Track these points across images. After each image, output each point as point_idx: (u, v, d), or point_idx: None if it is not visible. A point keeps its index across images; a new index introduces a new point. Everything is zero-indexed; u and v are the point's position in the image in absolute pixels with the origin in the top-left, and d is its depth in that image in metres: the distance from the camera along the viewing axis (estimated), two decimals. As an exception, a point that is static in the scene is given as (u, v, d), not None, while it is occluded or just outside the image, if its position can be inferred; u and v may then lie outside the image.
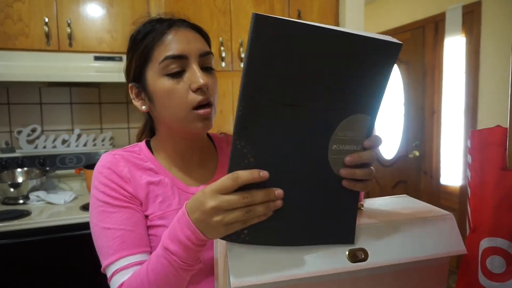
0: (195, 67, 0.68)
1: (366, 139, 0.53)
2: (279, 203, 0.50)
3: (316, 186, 0.53)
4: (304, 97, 0.48)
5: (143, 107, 0.75)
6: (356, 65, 0.49)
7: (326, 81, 0.49)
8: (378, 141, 0.53)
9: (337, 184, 0.53)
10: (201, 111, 0.69)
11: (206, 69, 0.71)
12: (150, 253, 0.70)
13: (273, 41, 0.44)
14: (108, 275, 0.68)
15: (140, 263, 0.67)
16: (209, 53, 0.71)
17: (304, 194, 0.53)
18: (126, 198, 0.72)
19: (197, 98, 0.68)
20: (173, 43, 0.68)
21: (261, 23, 0.43)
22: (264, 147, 0.49)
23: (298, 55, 0.46)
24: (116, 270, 0.67)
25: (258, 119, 0.47)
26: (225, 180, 0.49)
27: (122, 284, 0.65)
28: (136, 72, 0.73)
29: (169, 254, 0.57)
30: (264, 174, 0.48)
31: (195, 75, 0.67)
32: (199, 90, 0.68)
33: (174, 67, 0.67)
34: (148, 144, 0.81)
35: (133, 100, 0.77)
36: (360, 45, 0.48)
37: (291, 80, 0.47)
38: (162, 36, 0.68)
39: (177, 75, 0.68)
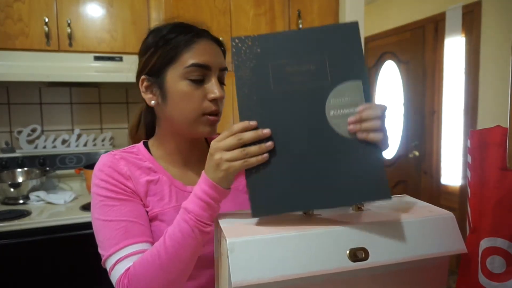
0: (214, 79, 0.74)
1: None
2: (269, 144, 0.59)
3: (324, 148, 0.60)
4: (294, 80, 0.61)
5: (152, 101, 0.77)
6: (325, 48, 0.61)
7: (309, 66, 0.61)
8: (376, 105, 0.59)
9: (349, 143, 0.60)
10: (211, 117, 0.75)
11: (221, 83, 0.78)
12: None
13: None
14: (110, 265, 0.67)
15: (144, 251, 0.67)
16: (226, 69, 0.78)
17: (313, 157, 0.60)
18: (127, 193, 0.73)
19: (211, 107, 0.74)
20: (201, 52, 0.73)
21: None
22: (265, 120, 0.60)
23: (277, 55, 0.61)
24: (119, 258, 0.67)
25: (257, 100, 0.60)
26: (224, 131, 0.60)
27: (128, 268, 0.65)
28: (155, 68, 0.75)
29: (187, 213, 0.62)
30: (267, 131, 0.59)
31: (214, 87, 0.73)
32: (214, 100, 0.74)
33: (197, 74, 0.72)
34: (145, 145, 0.82)
35: (142, 93, 0.77)
36: (320, 35, 0.62)
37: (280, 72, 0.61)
38: (192, 43, 0.73)
39: (197, 82, 0.73)
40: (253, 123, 0.59)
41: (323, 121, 0.60)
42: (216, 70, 0.75)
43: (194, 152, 0.83)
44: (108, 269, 0.69)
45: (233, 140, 0.59)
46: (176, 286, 0.65)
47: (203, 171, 0.64)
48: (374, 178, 0.59)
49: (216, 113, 0.75)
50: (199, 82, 0.73)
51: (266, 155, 0.59)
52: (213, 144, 0.61)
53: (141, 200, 0.75)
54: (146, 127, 0.87)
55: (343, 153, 0.59)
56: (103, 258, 0.69)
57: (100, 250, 0.71)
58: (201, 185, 0.63)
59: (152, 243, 0.70)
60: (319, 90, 0.60)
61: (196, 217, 0.62)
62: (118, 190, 0.72)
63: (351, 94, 0.60)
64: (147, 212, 0.75)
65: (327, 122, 0.60)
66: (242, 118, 0.60)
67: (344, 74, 0.60)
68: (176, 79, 0.73)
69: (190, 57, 0.72)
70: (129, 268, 0.65)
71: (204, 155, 0.83)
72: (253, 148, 0.58)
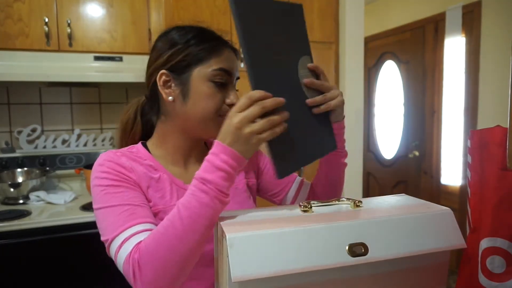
0: (233, 86, 0.80)
1: None
2: (286, 114, 0.62)
3: (306, 111, 0.72)
4: (279, 52, 0.67)
5: (170, 97, 0.77)
6: (290, 24, 0.71)
7: (285, 38, 0.70)
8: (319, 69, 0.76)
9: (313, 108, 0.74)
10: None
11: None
12: None
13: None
14: (115, 247, 0.64)
15: (152, 230, 0.64)
16: (239, 78, 0.84)
17: (302, 119, 0.71)
18: (129, 182, 0.72)
19: (227, 110, 0.77)
20: (228, 59, 0.78)
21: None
22: (266, 84, 0.63)
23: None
24: (126, 237, 0.63)
25: (261, 67, 0.64)
26: (241, 100, 0.60)
27: (139, 243, 0.62)
28: (180, 65, 0.76)
29: (206, 183, 0.60)
30: (282, 99, 0.61)
31: (234, 94, 0.79)
32: (231, 105, 0.77)
33: (221, 78, 0.77)
34: (143, 146, 0.82)
35: (159, 87, 0.78)
36: (285, 12, 0.70)
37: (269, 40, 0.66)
38: (221, 49, 0.78)
39: (219, 85, 0.77)
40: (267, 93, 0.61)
41: (300, 89, 0.71)
42: (234, 77, 0.80)
43: (193, 152, 0.84)
44: (113, 253, 0.65)
45: (256, 108, 0.59)
46: (191, 260, 0.62)
47: (217, 141, 0.62)
48: (331, 134, 0.79)
49: None
50: (221, 85, 0.77)
51: (285, 124, 0.61)
52: (236, 115, 0.60)
53: (143, 193, 0.74)
54: (143, 124, 0.87)
55: (314, 115, 0.73)
56: (107, 244, 0.66)
57: (103, 237, 0.68)
58: (221, 156, 0.60)
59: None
60: (292, 61, 0.71)
61: (217, 187, 0.60)
62: (120, 179, 0.71)
63: (305, 66, 0.74)
64: (150, 207, 0.74)
65: (302, 90, 0.71)
66: (257, 86, 0.61)
67: (301, 49, 0.73)
68: (201, 79, 0.76)
69: (218, 61, 0.76)
70: (139, 242, 0.62)
71: (202, 155, 0.84)
72: (276, 118, 0.60)
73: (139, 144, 0.82)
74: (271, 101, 0.60)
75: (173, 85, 0.77)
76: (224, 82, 0.77)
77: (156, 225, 0.65)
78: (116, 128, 0.89)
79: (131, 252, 0.62)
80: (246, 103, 0.59)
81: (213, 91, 0.76)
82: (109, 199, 0.69)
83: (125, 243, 0.63)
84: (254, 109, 0.59)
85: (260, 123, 0.59)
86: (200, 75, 0.76)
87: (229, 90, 0.78)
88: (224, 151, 0.61)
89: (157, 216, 0.74)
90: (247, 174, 0.91)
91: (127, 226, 0.65)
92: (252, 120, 0.59)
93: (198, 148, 0.85)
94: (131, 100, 0.90)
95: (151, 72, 0.79)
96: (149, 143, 0.84)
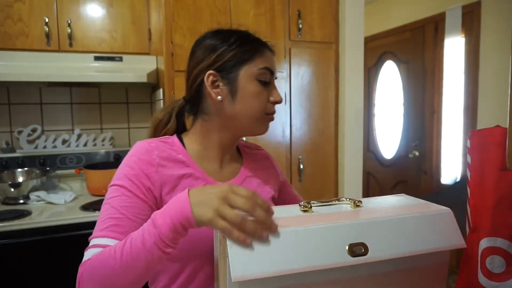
0: (275, 85, 0.84)
1: None
2: (265, 236, 0.54)
3: None
4: None
5: (219, 96, 0.80)
6: None
7: None
8: None
9: None
10: (271, 116, 0.84)
11: None
12: None
13: None
14: (89, 245, 0.69)
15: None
16: (277, 77, 0.87)
17: None
18: (141, 191, 0.74)
19: (272, 108, 0.83)
20: (269, 59, 0.82)
21: None
22: None
23: None
24: (96, 244, 0.67)
25: None
26: (246, 191, 0.56)
27: (89, 260, 0.65)
28: (228, 65, 0.79)
29: (153, 226, 0.58)
30: (275, 226, 0.55)
31: (276, 92, 0.83)
32: (275, 103, 0.83)
33: (266, 77, 0.81)
34: (179, 139, 0.84)
35: (207, 87, 0.80)
36: None
37: None
38: (264, 50, 0.82)
39: (264, 83, 0.81)
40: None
41: None
42: (274, 76, 0.84)
43: (230, 150, 0.87)
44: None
45: (248, 205, 0.55)
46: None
47: (190, 192, 0.59)
48: None
49: (273, 114, 0.84)
50: (265, 84, 0.81)
51: (250, 240, 0.54)
52: (228, 186, 0.57)
53: (155, 199, 0.75)
54: (177, 124, 0.89)
55: None
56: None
57: None
58: (182, 207, 0.57)
59: None
60: None
61: (160, 235, 0.58)
62: (134, 184, 0.73)
63: None
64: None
65: None
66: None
67: None
68: (248, 78, 0.79)
69: (263, 61, 0.80)
70: (89, 259, 0.65)
71: (235, 156, 0.91)
72: (251, 226, 0.54)
73: (174, 137, 0.85)
74: (263, 214, 0.55)
75: (221, 84, 0.80)
76: (267, 81, 0.81)
77: None
78: (148, 127, 0.90)
79: (85, 262, 0.65)
80: (248, 195, 0.56)
81: (260, 89, 0.80)
82: (114, 196, 0.72)
83: (90, 249, 0.67)
84: (246, 203, 0.55)
85: (235, 214, 0.54)
86: (247, 74, 0.79)
87: (271, 88, 0.82)
88: (186, 206, 0.57)
89: None
90: (273, 186, 0.93)
91: (102, 235, 0.68)
92: (233, 205, 0.55)
93: (233, 148, 0.89)
94: (169, 102, 0.93)
95: (197, 73, 0.81)
96: (186, 137, 0.86)
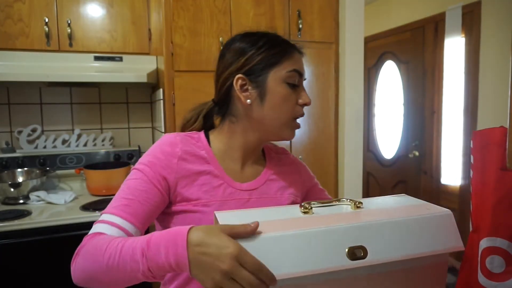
0: (303, 87, 0.83)
1: None
2: None
3: None
4: None
5: (248, 100, 0.80)
6: None
7: None
8: None
9: None
10: (298, 122, 0.84)
11: None
12: (140, 233, 0.73)
13: None
14: (99, 219, 0.72)
15: (124, 230, 0.70)
16: (305, 78, 0.86)
17: None
18: (160, 183, 0.77)
19: (300, 111, 0.82)
20: (297, 61, 0.82)
21: None
22: None
23: None
24: (104, 220, 0.70)
25: None
26: (249, 275, 0.52)
27: (94, 234, 0.68)
28: (256, 68, 0.79)
29: (145, 256, 0.58)
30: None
31: (305, 94, 0.82)
32: (304, 105, 0.82)
33: (294, 80, 0.80)
34: (205, 135, 0.86)
35: (237, 91, 0.80)
36: None
37: None
38: (292, 52, 0.81)
39: (292, 86, 0.80)
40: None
41: None
42: (303, 78, 0.83)
43: (254, 153, 0.87)
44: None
45: (251, 279, 0.52)
46: (115, 282, 0.64)
47: (191, 236, 0.56)
48: None
49: (302, 116, 0.83)
50: (294, 86, 0.80)
51: None
52: (233, 255, 0.52)
53: (168, 190, 0.78)
54: (204, 124, 0.90)
55: None
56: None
57: None
58: (179, 251, 0.55)
59: (140, 232, 0.72)
60: None
61: (150, 267, 0.58)
62: (155, 175, 0.76)
63: None
64: (191, 200, 0.78)
65: None
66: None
67: None
68: (277, 81, 0.79)
69: (291, 63, 0.80)
70: (95, 234, 0.68)
71: (259, 159, 0.91)
72: None
73: (202, 133, 0.86)
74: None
75: (249, 88, 0.80)
76: (296, 83, 0.80)
77: (136, 226, 0.71)
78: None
79: (89, 236, 0.68)
80: (253, 263, 0.52)
81: (289, 92, 0.79)
82: (133, 179, 0.76)
83: (98, 223, 0.71)
84: (248, 276, 0.52)
85: (235, 284, 0.52)
86: (276, 77, 0.79)
87: (300, 91, 0.82)
88: (184, 253, 0.55)
89: (199, 210, 0.78)
90: (296, 192, 0.91)
91: (112, 212, 0.71)
92: (236, 280, 0.52)
93: (258, 151, 0.89)
94: (198, 103, 0.93)
95: (226, 77, 0.81)
96: (212, 134, 0.87)
